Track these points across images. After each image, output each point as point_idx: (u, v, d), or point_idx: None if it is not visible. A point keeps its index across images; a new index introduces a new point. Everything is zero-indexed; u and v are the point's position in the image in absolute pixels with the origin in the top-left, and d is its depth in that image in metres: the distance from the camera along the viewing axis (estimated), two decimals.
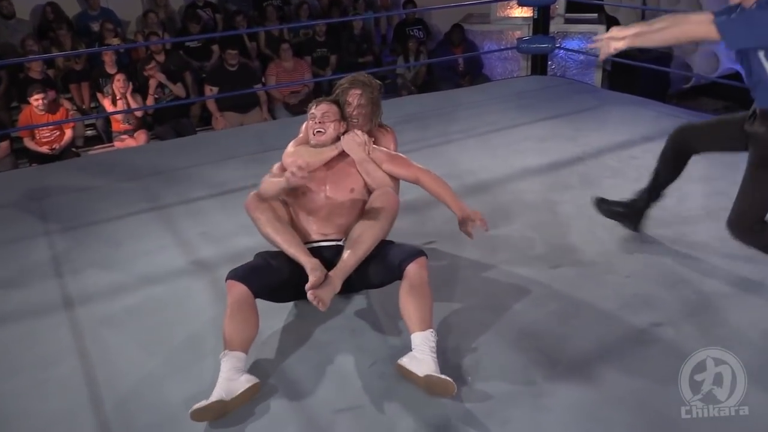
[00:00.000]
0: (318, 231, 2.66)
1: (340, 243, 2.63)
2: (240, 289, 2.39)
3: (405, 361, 2.30)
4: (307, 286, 2.38)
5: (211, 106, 6.97)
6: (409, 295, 2.37)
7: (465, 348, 2.48)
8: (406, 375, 2.29)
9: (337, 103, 2.89)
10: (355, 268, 2.50)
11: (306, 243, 2.61)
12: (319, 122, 2.79)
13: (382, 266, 2.51)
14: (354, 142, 2.78)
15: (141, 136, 6.60)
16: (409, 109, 5.58)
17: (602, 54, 2.57)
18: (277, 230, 2.57)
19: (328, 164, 2.75)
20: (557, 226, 3.45)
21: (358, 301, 2.81)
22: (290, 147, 2.91)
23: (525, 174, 4.20)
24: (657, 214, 3.28)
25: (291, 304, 2.77)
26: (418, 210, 3.59)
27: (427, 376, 2.21)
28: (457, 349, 2.47)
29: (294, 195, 2.69)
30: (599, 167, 4.20)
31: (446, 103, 5.83)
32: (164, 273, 3.18)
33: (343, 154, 2.78)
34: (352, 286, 2.62)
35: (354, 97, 2.86)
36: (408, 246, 2.59)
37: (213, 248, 3.39)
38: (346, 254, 2.49)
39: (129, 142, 6.53)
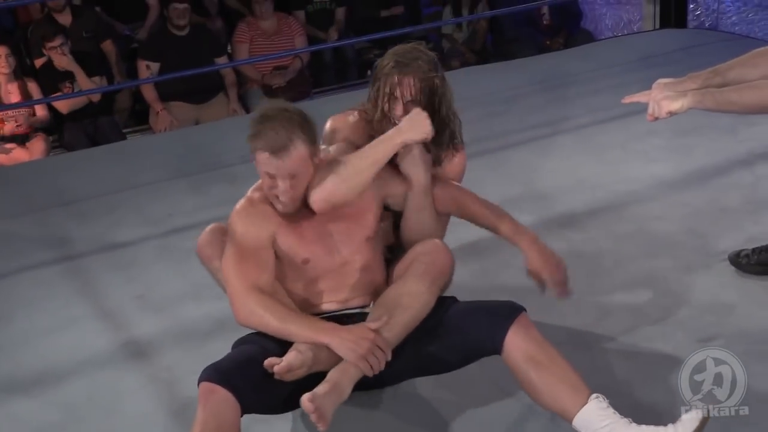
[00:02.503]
0: (330, 299, 2.71)
1: (365, 310, 2.67)
2: (222, 399, 2.34)
3: None
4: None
5: (149, 94, 7.02)
6: (537, 369, 2.47)
7: None
8: None
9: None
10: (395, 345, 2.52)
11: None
12: (290, 187, 2.58)
13: (452, 339, 2.56)
14: (420, 160, 2.77)
15: (38, 146, 6.68)
16: (463, 89, 5.50)
17: (650, 116, 2.90)
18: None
19: (330, 213, 2.69)
20: (710, 275, 3.44)
21: (386, 396, 2.81)
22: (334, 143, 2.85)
23: (653, 190, 4.20)
24: None
25: None
26: (477, 252, 3.60)
27: None
28: None
29: (288, 266, 2.71)
30: None
31: (523, 79, 5.84)
32: (77, 363, 3.21)
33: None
34: (394, 374, 2.64)
35: (407, 89, 2.82)
36: (488, 303, 2.63)
37: (154, 321, 3.42)
38: (377, 324, 2.50)
39: (19, 154, 6.62)
